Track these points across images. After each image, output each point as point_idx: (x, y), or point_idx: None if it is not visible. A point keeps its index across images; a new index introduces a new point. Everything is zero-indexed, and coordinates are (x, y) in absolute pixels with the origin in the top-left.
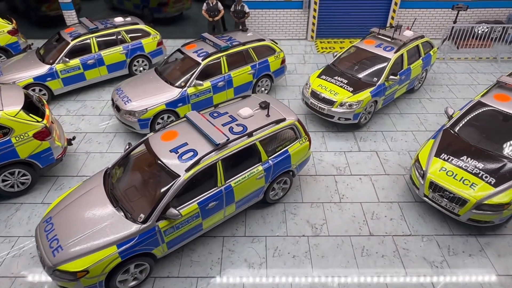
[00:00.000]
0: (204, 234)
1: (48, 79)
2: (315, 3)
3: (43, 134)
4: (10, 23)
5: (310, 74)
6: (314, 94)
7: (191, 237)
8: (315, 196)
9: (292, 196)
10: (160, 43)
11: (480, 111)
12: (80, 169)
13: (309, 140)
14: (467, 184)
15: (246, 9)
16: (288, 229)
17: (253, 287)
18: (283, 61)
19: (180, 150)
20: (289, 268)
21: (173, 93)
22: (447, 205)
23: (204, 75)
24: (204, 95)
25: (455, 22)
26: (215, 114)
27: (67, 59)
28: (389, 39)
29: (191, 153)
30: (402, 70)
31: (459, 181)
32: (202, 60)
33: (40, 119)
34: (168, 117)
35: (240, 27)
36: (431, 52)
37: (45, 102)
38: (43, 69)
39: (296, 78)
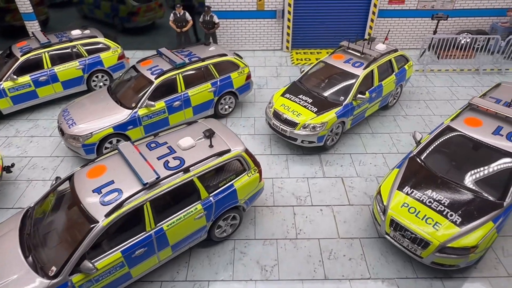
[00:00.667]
0: (141, 279)
1: None
2: (289, 12)
3: None
4: None
5: (281, 88)
6: (276, 115)
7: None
8: (269, 232)
9: (244, 232)
10: (121, 57)
11: (448, 137)
12: (18, 199)
13: (260, 172)
14: (430, 224)
15: (216, 19)
16: (235, 271)
17: None
18: (248, 77)
19: (104, 190)
20: None
21: (122, 115)
22: (409, 246)
23: (158, 94)
24: (158, 116)
25: (435, 32)
26: (153, 145)
27: (15, 76)
28: (359, 54)
29: (116, 194)
30: (373, 87)
31: (422, 219)
32: (155, 79)
33: None
34: (118, 141)
35: (211, 39)
36: (405, 67)
37: None
38: None
39: (266, 93)
